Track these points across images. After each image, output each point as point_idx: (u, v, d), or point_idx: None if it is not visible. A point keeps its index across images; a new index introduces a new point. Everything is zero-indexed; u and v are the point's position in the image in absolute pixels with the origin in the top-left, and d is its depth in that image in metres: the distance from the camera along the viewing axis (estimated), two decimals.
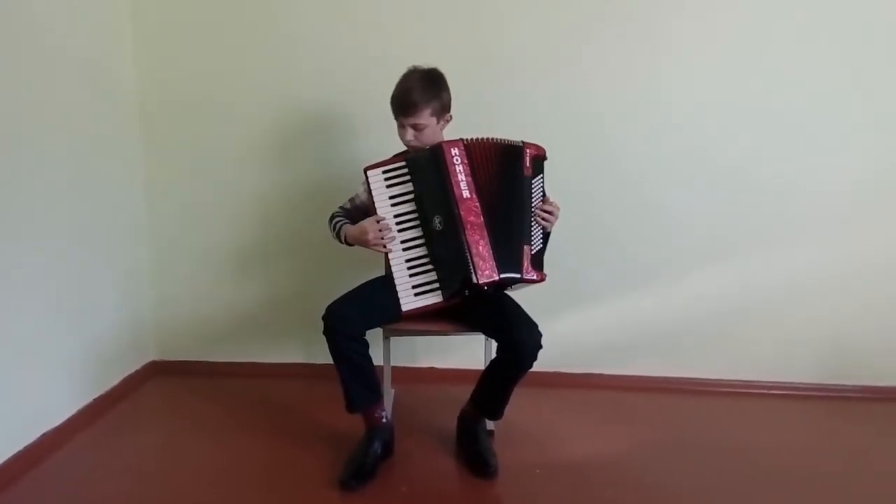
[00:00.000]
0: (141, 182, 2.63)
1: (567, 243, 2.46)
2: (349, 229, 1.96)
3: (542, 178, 1.94)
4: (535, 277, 1.85)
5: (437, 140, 1.94)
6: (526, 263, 1.83)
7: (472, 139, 1.89)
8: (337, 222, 2.02)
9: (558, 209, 1.94)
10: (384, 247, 1.86)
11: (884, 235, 2.50)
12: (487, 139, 1.89)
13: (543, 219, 1.91)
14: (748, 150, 2.49)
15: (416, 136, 1.93)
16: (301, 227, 2.58)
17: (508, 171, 1.88)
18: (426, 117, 1.92)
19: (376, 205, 1.89)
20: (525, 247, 1.85)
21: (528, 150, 1.90)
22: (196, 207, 2.65)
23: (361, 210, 2.07)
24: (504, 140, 1.91)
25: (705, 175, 2.51)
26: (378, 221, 1.86)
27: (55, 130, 2.08)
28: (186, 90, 2.58)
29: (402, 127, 1.95)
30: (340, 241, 2.00)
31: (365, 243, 1.89)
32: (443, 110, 1.97)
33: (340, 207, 2.11)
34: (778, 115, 2.46)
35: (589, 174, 2.52)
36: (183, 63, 2.57)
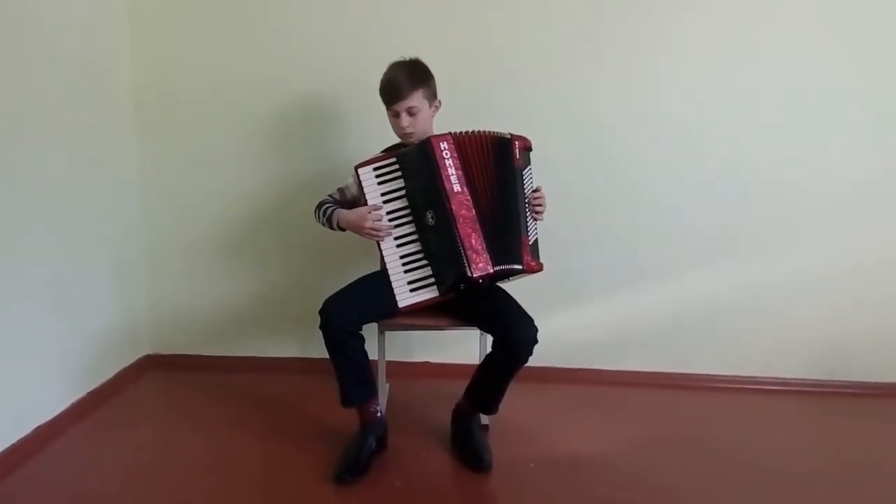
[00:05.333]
0: (136, 177, 2.62)
1: (564, 239, 2.47)
2: (344, 214, 1.94)
3: (531, 168, 1.95)
4: (534, 267, 1.86)
5: (429, 127, 1.95)
6: (526, 255, 1.84)
7: (461, 132, 1.88)
8: (327, 208, 2.01)
9: (545, 198, 1.95)
10: (378, 235, 1.87)
11: (879, 235, 2.50)
12: (477, 132, 1.89)
13: (535, 210, 1.92)
14: (746, 149, 2.48)
15: (411, 123, 1.93)
16: (296, 221, 2.57)
17: (501, 164, 1.88)
18: (419, 99, 1.92)
19: (369, 202, 1.89)
20: (523, 237, 1.85)
21: (516, 142, 1.90)
22: (191, 202, 2.64)
23: (352, 203, 2.06)
24: (492, 132, 1.90)
25: (703, 174, 2.51)
26: (370, 212, 1.87)
27: (50, 127, 2.07)
28: (182, 87, 2.57)
29: (395, 116, 1.94)
30: (331, 227, 1.99)
31: (360, 230, 1.89)
32: (432, 96, 1.98)
33: (329, 196, 2.10)
34: (777, 115, 2.46)
35: (587, 172, 2.52)
36: (179, 60, 2.56)
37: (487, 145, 1.88)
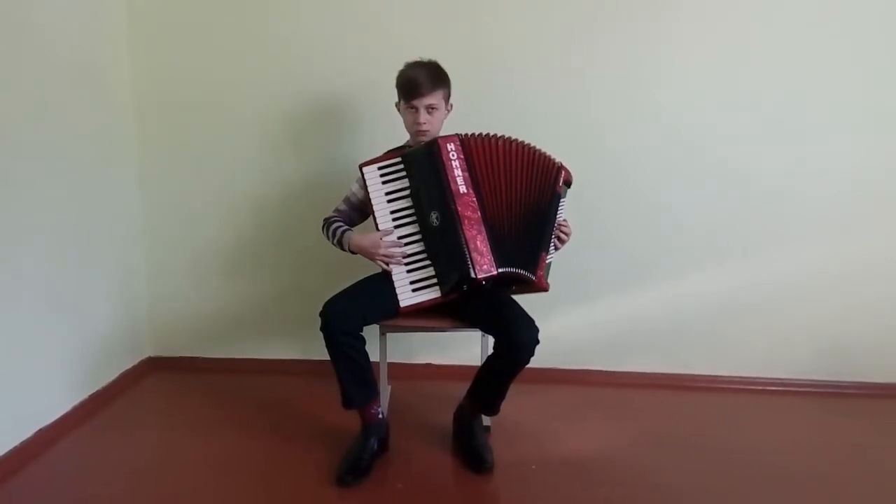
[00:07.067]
0: (137, 180, 2.62)
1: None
2: (356, 239, 1.94)
3: (565, 201, 1.99)
4: (543, 283, 1.89)
5: (441, 129, 1.97)
6: (540, 270, 1.87)
7: (469, 135, 1.89)
8: (337, 227, 2.00)
9: (571, 233, 1.99)
10: (388, 264, 1.88)
11: (879, 234, 2.50)
12: (485, 135, 1.90)
13: (559, 237, 1.95)
14: (746, 149, 2.48)
15: (428, 120, 1.94)
16: (297, 223, 2.58)
17: (541, 183, 1.91)
18: (439, 98, 1.95)
19: (372, 201, 1.89)
20: (542, 253, 1.88)
21: (563, 171, 1.95)
22: (192, 204, 2.64)
23: (359, 208, 2.07)
24: (539, 150, 1.93)
25: (703, 174, 2.51)
26: (382, 238, 1.87)
27: (52, 130, 2.08)
28: (182, 90, 2.57)
29: (415, 111, 1.94)
30: (341, 248, 1.99)
31: (372, 257, 1.90)
32: (448, 98, 2.01)
33: (336, 210, 2.09)
34: (777, 115, 2.46)
35: (587, 172, 2.50)
36: (179, 62, 2.56)
37: (526, 159, 1.90)
